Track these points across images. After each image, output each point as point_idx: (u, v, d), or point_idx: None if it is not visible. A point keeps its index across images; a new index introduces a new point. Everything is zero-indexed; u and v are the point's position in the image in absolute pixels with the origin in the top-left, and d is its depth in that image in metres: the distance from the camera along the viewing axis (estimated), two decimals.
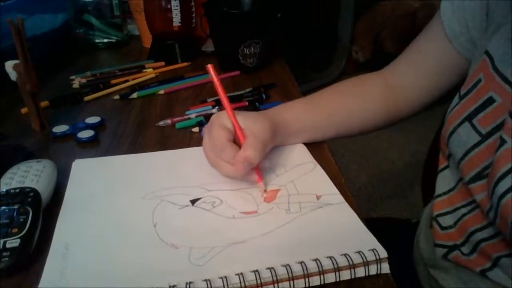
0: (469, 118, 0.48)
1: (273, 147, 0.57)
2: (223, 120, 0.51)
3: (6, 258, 0.40)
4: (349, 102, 0.63)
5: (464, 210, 0.51)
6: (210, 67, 0.50)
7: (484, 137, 0.46)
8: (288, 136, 0.58)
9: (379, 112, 0.63)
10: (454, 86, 0.57)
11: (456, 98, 0.51)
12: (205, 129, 0.54)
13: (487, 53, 0.48)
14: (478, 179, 0.46)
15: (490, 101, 0.46)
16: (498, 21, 0.48)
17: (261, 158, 0.50)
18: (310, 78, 2.71)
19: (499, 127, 0.45)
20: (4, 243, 0.41)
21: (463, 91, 0.50)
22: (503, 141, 0.42)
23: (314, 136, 0.61)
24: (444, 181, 0.55)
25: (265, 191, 0.51)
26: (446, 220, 0.54)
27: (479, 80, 0.48)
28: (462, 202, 0.51)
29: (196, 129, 0.66)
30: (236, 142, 0.51)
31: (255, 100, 0.76)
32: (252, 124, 0.52)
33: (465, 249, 0.51)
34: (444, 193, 0.55)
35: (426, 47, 0.59)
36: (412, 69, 0.60)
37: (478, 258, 0.50)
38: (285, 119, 0.57)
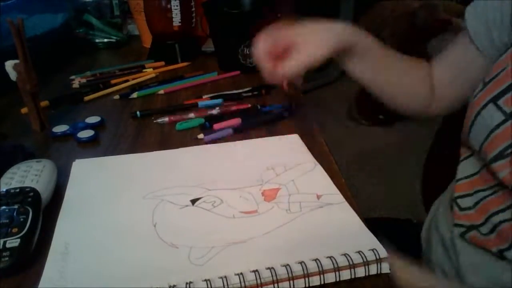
0: (494, 99, 0.48)
1: (271, 146, 0.56)
2: (272, 30, 0.54)
3: (6, 258, 0.40)
4: (411, 73, 0.63)
5: (485, 193, 0.52)
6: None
7: (509, 116, 0.46)
8: (351, 55, 0.58)
9: (423, 96, 0.64)
10: None
11: (480, 85, 0.52)
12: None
13: None
14: (500, 158, 0.47)
15: None
16: None
17: (303, 70, 0.53)
18: (310, 78, 2.71)
19: None
20: (4, 243, 0.41)
21: (487, 78, 0.51)
22: None
23: (368, 75, 0.61)
24: (466, 167, 0.56)
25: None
26: (466, 202, 0.54)
27: (505, 68, 0.49)
28: (483, 186, 0.52)
29: (201, 136, 0.64)
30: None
31: (253, 96, 0.76)
32: (309, 33, 0.54)
33: (484, 229, 0.52)
34: (466, 177, 0.55)
35: (453, 49, 0.61)
36: (446, 73, 0.62)
37: (497, 239, 0.50)
38: (359, 41, 0.57)
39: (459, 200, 0.55)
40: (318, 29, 0.55)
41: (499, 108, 0.47)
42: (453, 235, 0.57)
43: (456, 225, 0.56)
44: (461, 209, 0.55)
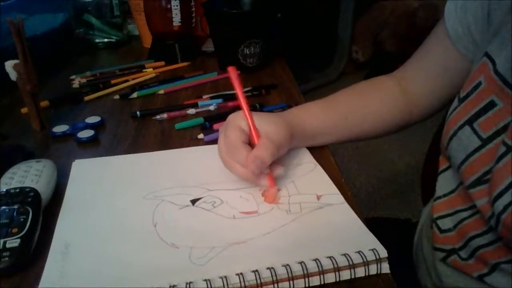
0: (469, 121, 0.47)
1: None
2: (238, 121, 0.51)
3: (6, 258, 0.40)
4: (366, 105, 0.62)
5: (464, 214, 0.51)
6: (230, 69, 0.52)
7: (485, 142, 0.45)
8: (305, 139, 0.58)
9: (394, 115, 0.62)
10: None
11: (456, 101, 0.50)
12: (221, 129, 0.53)
13: (488, 55, 0.47)
14: (478, 184, 0.46)
15: (491, 105, 0.45)
16: (500, 21, 0.48)
17: (273, 159, 0.49)
18: (310, 78, 2.71)
19: (500, 131, 0.44)
20: (4, 243, 0.41)
21: (462, 93, 0.49)
22: (509, 148, 0.42)
23: (329, 139, 0.60)
24: (444, 182, 0.55)
25: (277, 198, 0.50)
26: (446, 223, 0.53)
27: (480, 83, 0.47)
28: (462, 205, 0.51)
29: (201, 136, 0.64)
30: (251, 144, 0.51)
31: (253, 96, 0.77)
32: (267, 125, 0.51)
33: (463, 254, 0.51)
34: (445, 195, 0.54)
35: (432, 51, 0.59)
36: (422, 74, 0.60)
37: (476, 263, 0.49)
38: (303, 122, 0.57)
39: (439, 221, 0.54)
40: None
41: (475, 131, 0.46)
42: (434, 259, 0.56)
43: (436, 249, 0.55)
44: (441, 231, 0.54)
